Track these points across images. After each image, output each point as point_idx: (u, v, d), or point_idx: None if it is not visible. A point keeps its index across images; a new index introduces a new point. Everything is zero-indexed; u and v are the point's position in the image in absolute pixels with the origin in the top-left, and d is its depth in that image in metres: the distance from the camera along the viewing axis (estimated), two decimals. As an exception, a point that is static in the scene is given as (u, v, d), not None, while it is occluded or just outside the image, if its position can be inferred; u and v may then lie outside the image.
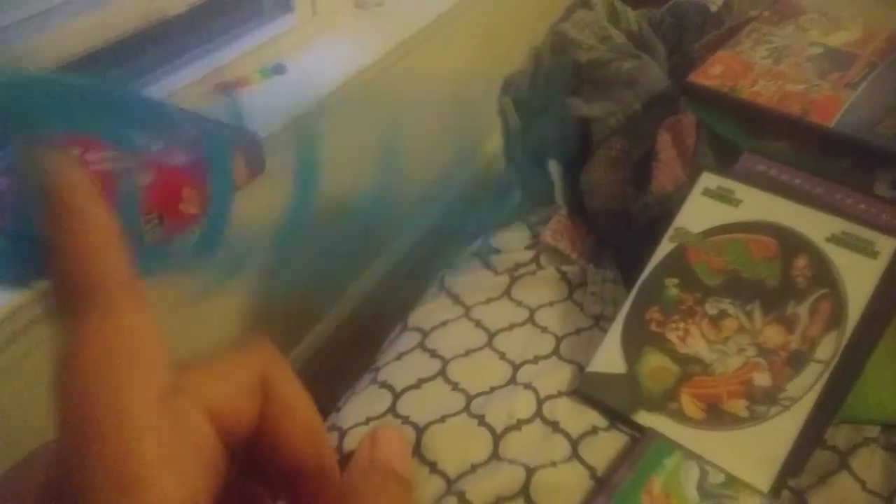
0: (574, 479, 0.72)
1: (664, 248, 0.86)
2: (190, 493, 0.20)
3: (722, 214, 0.86)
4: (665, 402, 0.77)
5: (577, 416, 0.78)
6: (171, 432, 0.20)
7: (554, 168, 1.03)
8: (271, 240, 0.28)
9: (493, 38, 1.85)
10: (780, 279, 0.80)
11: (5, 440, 0.77)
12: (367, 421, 0.76)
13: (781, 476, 0.71)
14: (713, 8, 1.18)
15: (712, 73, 0.98)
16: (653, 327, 0.82)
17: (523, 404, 0.79)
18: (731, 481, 0.71)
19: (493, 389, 0.81)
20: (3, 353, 0.86)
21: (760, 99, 0.94)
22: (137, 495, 0.18)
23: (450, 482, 0.72)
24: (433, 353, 0.85)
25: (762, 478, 0.71)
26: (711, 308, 0.81)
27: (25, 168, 0.22)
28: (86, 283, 0.20)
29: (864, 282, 0.78)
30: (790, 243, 0.82)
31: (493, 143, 1.90)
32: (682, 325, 0.81)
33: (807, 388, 0.75)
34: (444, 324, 0.89)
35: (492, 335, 0.88)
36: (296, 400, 0.24)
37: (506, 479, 0.71)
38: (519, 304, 0.92)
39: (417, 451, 0.74)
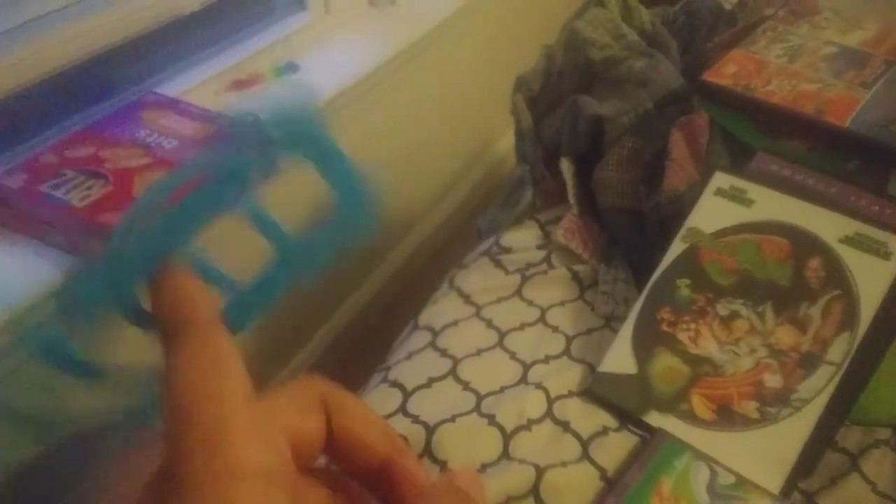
0: (584, 480, 0.73)
1: (676, 247, 0.86)
2: (273, 461, 0.23)
3: (734, 214, 0.85)
4: (676, 402, 0.77)
5: (587, 417, 0.78)
6: (261, 421, 0.24)
7: (566, 167, 1.03)
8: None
9: (505, 36, 1.85)
10: (792, 280, 0.80)
11: (4, 440, 0.77)
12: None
13: (792, 478, 0.71)
14: (727, 6, 1.18)
15: (726, 72, 0.98)
16: (664, 328, 0.82)
17: (534, 404, 0.79)
18: (742, 483, 0.71)
19: (503, 389, 0.81)
20: (6, 359, 0.87)
21: (774, 98, 0.93)
22: (224, 450, 0.22)
23: (459, 481, 0.72)
24: (444, 353, 0.86)
25: (772, 479, 0.71)
26: (723, 309, 0.81)
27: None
28: (184, 319, 0.26)
29: (877, 283, 0.77)
30: (803, 244, 0.81)
31: (505, 141, 1.91)
32: (693, 325, 0.81)
33: (818, 389, 0.74)
34: (454, 323, 0.90)
35: (502, 335, 0.88)
36: (359, 407, 0.27)
37: (516, 478, 0.72)
38: (530, 303, 0.92)
39: (427, 450, 0.74)
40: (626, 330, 0.83)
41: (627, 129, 0.99)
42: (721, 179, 0.88)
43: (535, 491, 0.71)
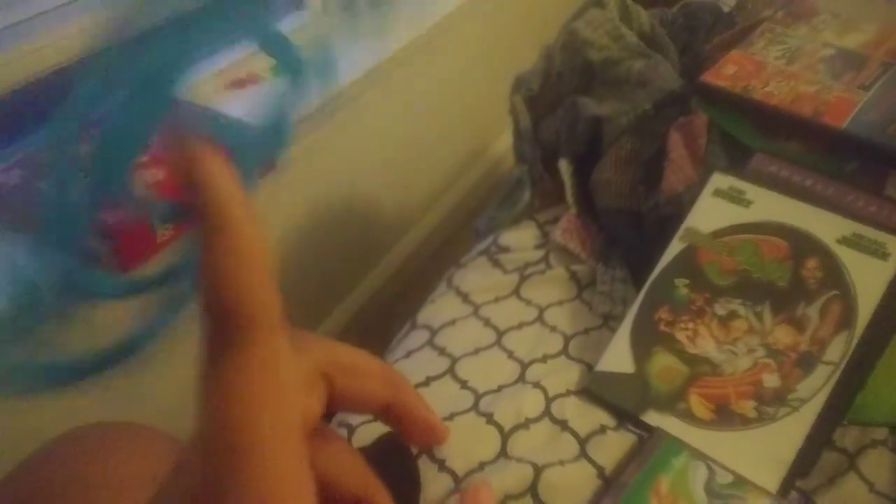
0: (582, 478, 0.73)
1: (674, 248, 0.86)
2: None
3: (733, 215, 0.86)
4: (673, 402, 0.77)
5: (585, 416, 0.78)
6: (298, 462, 0.23)
7: (564, 167, 1.03)
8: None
9: (504, 36, 1.85)
10: (790, 280, 0.80)
11: (11, 440, 0.77)
12: (376, 418, 0.77)
13: (790, 477, 0.71)
14: (725, 8, 1.18)
15: (724, 74, 0.98)
16: (662, 327, 0.82)
17: (531, 403, 0.79)
18: (739, 482, 0.71)
19: (501, 388, 0.81)
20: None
21: (773, 99, 0.93)
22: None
23: (458, 480, 0.72)
24: (442, 352, 0.86)
25: (770, 478, 0.71)
26: (721, 308, 0.81)
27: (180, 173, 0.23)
28: (243, 316, 0.23)
29: (875, 284, 0.77)
30: (801, 244, 0.82)
31: (503, 141, 1.91)
32: (691, 325, 0.81)
33: (816, 389, 0.74)
34: (452, 322, 0.90)
35: (500, 334, 0.88)
36: (356, 361, 0.28)
37: (514, 477, 0.72)
38: (528, 302, 0.92)
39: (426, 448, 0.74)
40: (624, 329, 0.83)
41: (626, 129, 0.99)
42: (719, 180, 0.88)
43: (532, 489, 0.71)
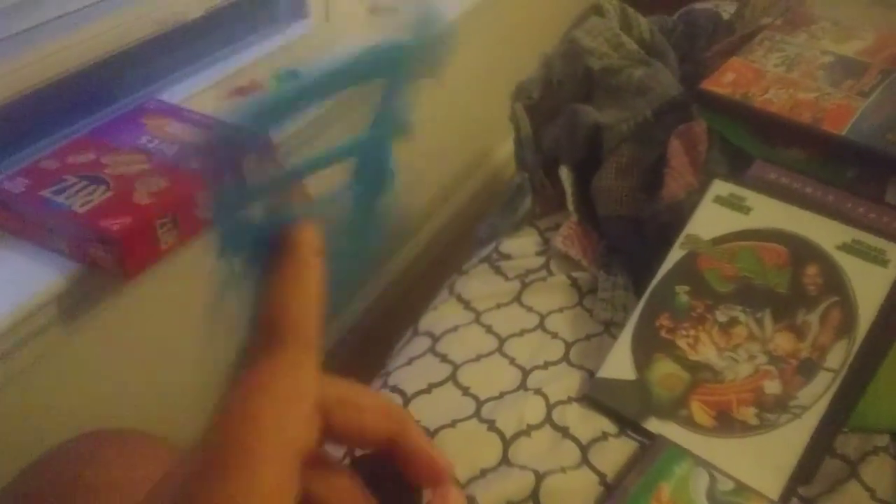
0: (584, 486, 0.73)
1: (675, 254, 0.86)
2: None
3: (733, 222, 0.86)
4: (675, 409, 0.78)
5: (586, 423, 0.79)
6: (287, 481, 0.24)
7: (565, 174, 1.03)
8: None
9: (505, 44, 1.86)
10: (790, 287, 0.80)
11: (13, 444, 0.77)
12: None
13: (791, 484, 0.71)
14: (725, 16, 1.19)
15: (724, 81, 0.99)
16: (663, 334, 0.82)
17: (533, 410, 0.79)
18: (741, 489, 0.71)
19: (502, 395, 0.81)
20: (11, 358, 0.87)
21: (772, 107, 0.94)
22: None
23: (460, 488, 0.72)
24: (444, 358, 0.86)
25: (772, 486, 0.71)
26: (722, 315, 0.82)
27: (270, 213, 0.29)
28: (284, 328, 0.27)
29: (875, 290, 0.78)
30: (801, 251, 0.82)
31: (505, 149, 1.91)
32: (692, 332, 0.82)
33: (817, 396, 0.75)
34: (454, 329, 0.90)
35: (502, 341, 0.88)
36: (355, 396, 0.28)
37: (515, 484, 0.72)
38: (529, 309, 0.92)
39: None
40: (626, 336, 0.83)
41: (626, 137, 1.00)
42: (720, 187, 0.88)
43: (534, 496, 0.71)
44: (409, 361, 0.87)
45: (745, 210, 0.86)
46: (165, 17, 1.14)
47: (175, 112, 1.10)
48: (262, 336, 0.27)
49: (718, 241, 0.85)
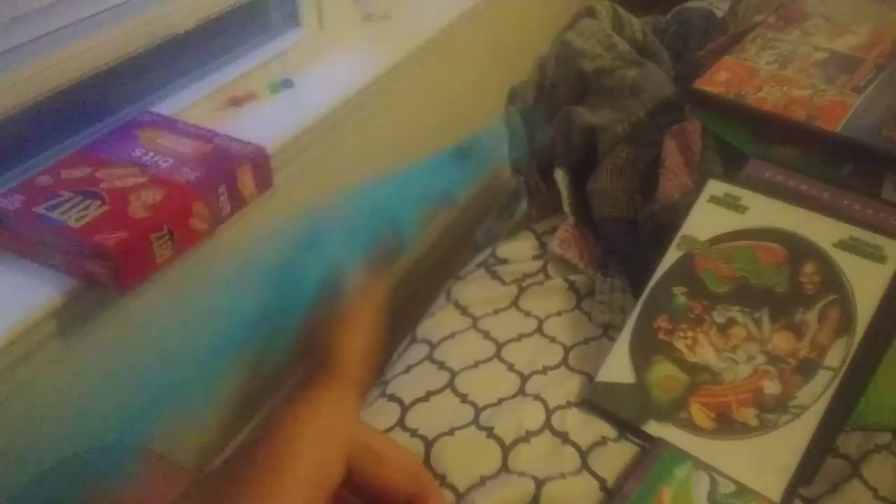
0: (584, 491, 0.72)
1: (671, 255, 0.86)
2: None
3: (729, 221, 0.85)
4: (674, 411, 0.77)
5: (586, 427, 0.78)
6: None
7: (560, 177, 1.03)
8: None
9: (498, 48, 1.85)
10: (788, 286, 0.80)
11: (14, 459, 0.77)
12: None
13: (792, 485, 0.71)
14: (718, 14, 1.18)
15: (717, 80, 0.98)
16: (661, 336, 0.82)
17: (532, 415, 0.79)
18: (742, 491, 0.70)
19: (501, 401, 0.81)
20: (9, 374, 0.87)
21: (766, 105, 0.93)
22: None
23: (459, 495, 0.72)
24: (441, 365, 0.86)
25: (773, 487, 0.71)
26: (720, 316, 0.81)
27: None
28: (340, 369, 0.29)
29: (873, 287, 0.77)
30: (798, 250, 0.81)
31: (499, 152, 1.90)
32: (690, 333, 0.81)
33: (817, 395, 0.74)
34: (452, 335, 0.89)
35: (500, 346, 0.88)
36: (384, 449, 0.29)
37: (515, 491, 0.71)
38: (527, 314, 0.92)
39: (426, 464, 0.74)
40: (624, 339, 0.83)
41: (621, 138, 0.99)
42: (715, 187, 0.88)
43: (535, 503, 0.71)
44: (407, 369, 0.86)
45: (741, 209, 0.86)
46: (157, 29, 1.14)
47: (169, 124, 1.10)
48: (316, 369, 0.28)
49: (715, 241, 0.85)
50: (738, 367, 0.78)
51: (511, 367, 0.85)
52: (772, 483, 0.71)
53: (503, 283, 0.97)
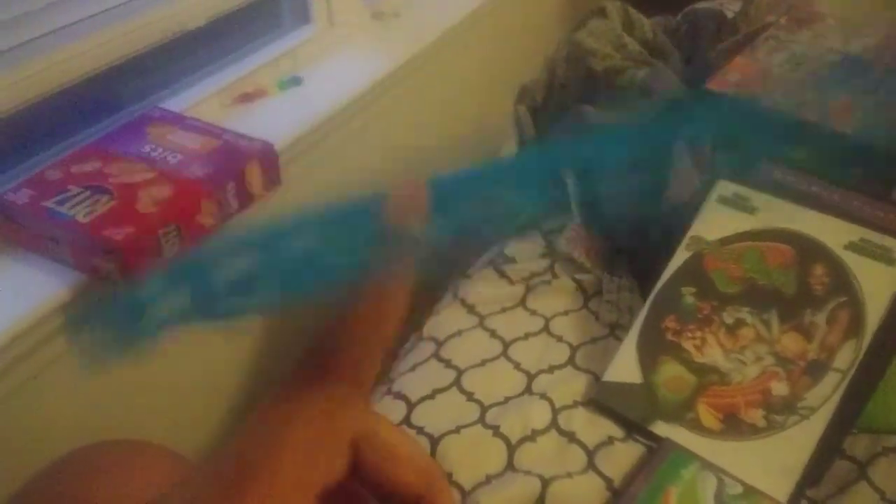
0: (590, 491, 0.72)
1: (680, 256, 0.85)
2: None
3: (738, 222, 0.85)
4: (682, 411, 0.77)
5: (592, 427, 0.78)
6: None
7: (568, 176, 1.03)
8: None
9: (508, 47, 1.85)
10: (797, 287, 0.80)
11: (19, 454, 0.78)
12: None
13: (800, 486, 0.70)
14: (729, 14, 1.18)
15: (729, 80, 0.98)
16: (669, 336, 0.82)
17: (538, 414, 0.79)
18: (749, 492, 0.70)
19: (507, 399, 0.81)
20: (16, 368, 0.88)
21: (778, 106, 0.93)
22: None
23: (465, 494, 0.72)
24: (448, 364, 0.85)
25: (780, 488, 0.70)
26: (728, 317, 0.81)
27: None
28: (347, 369, 0.27)
29: (883, 289, 0.77)
30: (807, 251, 0.81)
31: (508, 151, 1.91)
32: (698, 333, 0.81)
33: (825, 397, 0.74)
34: (458, 333, 0.89)
35: (506, 345, 0.88)
36: (394, 443, 0.28)
37: (521, 490, 0.71)
38: (534, 313, 0.92)
39: (432, 461, 0.74)
40: (631, 339, 0.83)
41: (630, 138, 0.99)
42: (724, 187, 0.88)
43: (540, 502, 0.71)
44: (413, 367, 0.86)
45: (751, 210, 0.85)
46: (168, 26, 1.14)
47: (178, 120, 1.10)
48: (319, 367, 0.27)
49: (724, 241, 0.84)
50: (747, 368, 0.78)
51: (518, 366, 0.85)
52: (779, 484, 0.71)
53: (510, 281, 0.96)
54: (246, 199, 1.02)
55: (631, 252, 0.96)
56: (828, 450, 0.72)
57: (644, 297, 0.86)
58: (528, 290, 0.95)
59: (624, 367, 0.81)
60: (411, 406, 0.80)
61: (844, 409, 0.73)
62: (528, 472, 0.73)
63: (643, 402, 0.79)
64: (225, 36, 1.30)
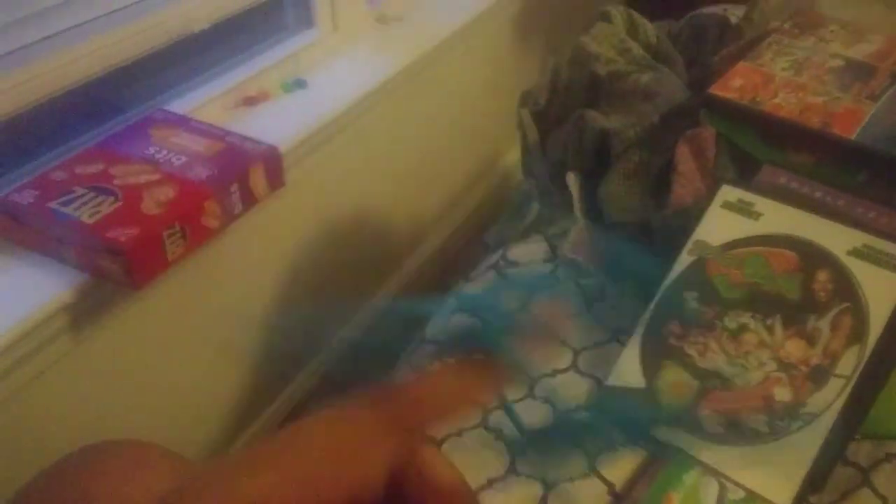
0: (592, 495, 0.72)
1: (683, 261, 0.85)
2: None
3: (742, 227, 0.85)
4: (684, 416, 0.77)
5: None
6: None
7: (572, 181, 1.03)
8: None
9: (511, 51, 1.86)
10: (800, 293, 0.80)
11: (22, 454, 0.78)
12: None
13: (802, 492, 0.70)
14: (733, 20, 1.18)
15: (732, 86, 0.98)
16: (672, 341, 0.82)
17: (541, 419, 0.79)
18: (751, 498, 0.70)
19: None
20: (20, 368, 0.88)
21: (781, 111, 0.93)
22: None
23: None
24: (451, 367, 0.85)
25: (783, 494, 0.70)
26: (731, 322, 0.81)
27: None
28: (411, 422, 0.25)
29: (887, 295, 0.77)
30: (811, 257, 0.81)
31: (512, 155, 1.91)
32: (701, 339, 0.81)
33: (828, 403, 0.74)
34: (461, 337, 0.89)
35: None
36: (431, 470, 0.25)
37: (523, 494, 0.71)
38: (537, 317, 0.92)
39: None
40: (634, 343, 0.83)
41: (633, 142, 0.99)
42: (728, 192, 0.88)
43: (542, 506, 0.71)
44: (416, 370, 0.86)
45: (755, 215, 0.85)
46: (173, 28, 1.14)
47: (182, 122, 1.10)
48: (390, 408, 0.25)
49: (727, 247, 0.84)
50: (749, 374, 0.77)
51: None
52: (781, 490, 0.70)
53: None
54: (250, 200, 1.03)
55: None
56: (830, 456, 0.72)
57: (647, 301, 0.86)
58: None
59: (627, 371, 0.81)
60: (413, 409, 0.80)
61: (847, 415, 0.73)
62: (529, 476, 0.73)
63: (646, 406, 0.78)
64: (229, 39, 1.31)
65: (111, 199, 0.93)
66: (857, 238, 0.80)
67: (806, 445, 0.72)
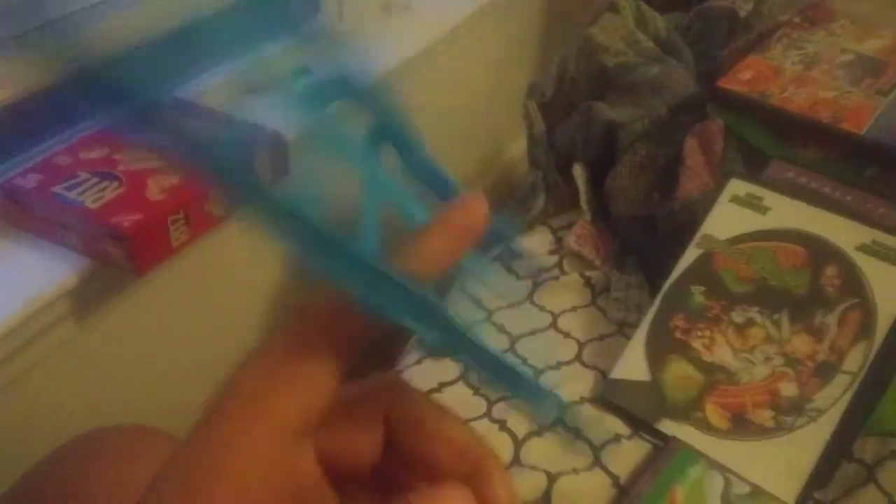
0: (596, 487, 0.72)
1: (690, 254, 0.85)
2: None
3: (750, 222, 0.85)
4: (689, 410, 0.77)
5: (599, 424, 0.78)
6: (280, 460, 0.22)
7: (578, 173, 1.02)
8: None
9: (519, 41, 1.85)
10: (808, 288, 0.79)
11: (24, 440, 0.77)
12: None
13: (807, 488, 0.70)
14: (742, 13, 1.17)
15: (741, 79, 0.97)
16: (678, 335, 0.81)
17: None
18: (756, 492, 0.70)
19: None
20: (22, 354, 0.87)
21: (790, 105, 0.92)
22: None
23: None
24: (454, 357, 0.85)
25: (788, 489, 0.70)
26: (738, 316, 0.80)
27: None
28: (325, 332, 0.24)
29: (894, 291, 0.76)
30: (819, 252, 0.80)
31: (518, 146, 1.90)
32: (707, 332, 0.81)
33: (834, 399, 0.73)
34: (466, 328, 0.89)
35: (514, 340, 0.87)
36: (434, 421, 0.25)
37: (527, 485, 0.71)
38: (541, 309, 0.92)
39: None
40: (639, 336, 0.82)
41: (641, 135, 0.99)
42: (736, 186, 0.87)
43: (546, 498, 0.70)
44: (420, 360, 0.86)
45: (763, 210, 0.85)
46: (176, 14, 1.13)
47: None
48: (307, 324, 0.24)
49: (735, 241, 0.84)
50: (755, 368, 0.77)
51: (525, 362, 0.85)
52: (786, 486, 0.70)
53: (518, 277, 0.96)
54: (254, 188, 1.02)
55: (640, 250, 0.96)
56: (836, 452, 0.72)
57: (653, 295, 0.85)
58: (536, 285, 0.94)
59: (632, 364, 0.81)
60: (418, 399, 0.80)
61: (853, 411, 0.73)
62: (534, 468, 0.73)
63: (651, 399, 0.78)
64: (234, 26, 1.30)
65: (115, 184, 0.93)
66: (866, 234, 0.80)
67: (811, 441, 0.72)
